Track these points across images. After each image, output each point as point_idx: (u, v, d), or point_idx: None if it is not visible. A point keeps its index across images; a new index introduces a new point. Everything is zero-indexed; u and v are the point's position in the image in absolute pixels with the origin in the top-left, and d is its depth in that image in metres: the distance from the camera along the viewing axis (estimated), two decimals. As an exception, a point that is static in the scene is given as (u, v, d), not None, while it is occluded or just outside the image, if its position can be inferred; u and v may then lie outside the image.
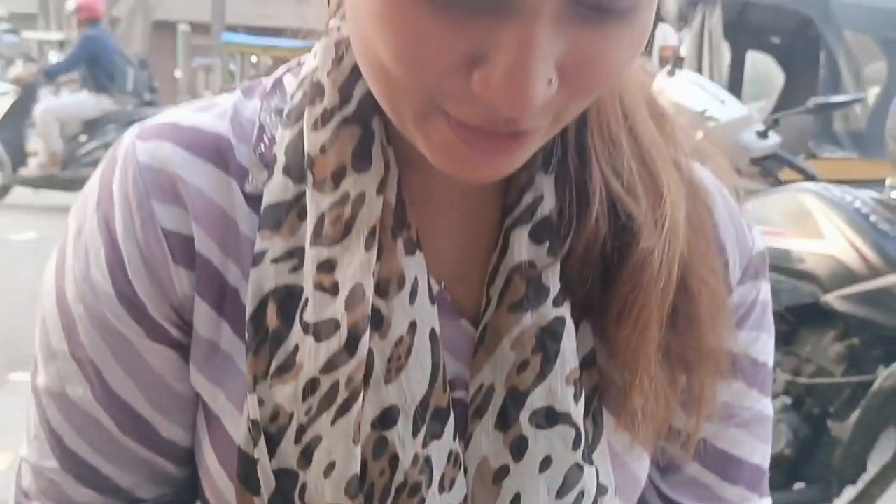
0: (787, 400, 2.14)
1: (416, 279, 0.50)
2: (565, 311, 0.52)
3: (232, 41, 16.71)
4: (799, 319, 2.16)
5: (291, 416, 0.49)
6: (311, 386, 0.49)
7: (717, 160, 0.60)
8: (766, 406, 0.62)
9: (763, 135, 2.69)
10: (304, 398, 0.49)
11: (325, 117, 0.51)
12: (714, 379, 0.55)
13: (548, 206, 0.52)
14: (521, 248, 0.51)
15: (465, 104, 0.42)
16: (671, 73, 2.94)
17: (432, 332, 0.50)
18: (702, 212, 0.55)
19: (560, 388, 0.51)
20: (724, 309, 0.55)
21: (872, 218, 2.05)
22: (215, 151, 0.53)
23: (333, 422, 0.48)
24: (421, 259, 0.51)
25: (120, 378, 0.53)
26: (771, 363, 0.62)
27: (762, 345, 0.60)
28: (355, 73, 0.50)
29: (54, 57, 9.83)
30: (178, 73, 16.09)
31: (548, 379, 0.51)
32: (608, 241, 0.52)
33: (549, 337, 0.51)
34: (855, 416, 1.97)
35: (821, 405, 2.11)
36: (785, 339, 2.20)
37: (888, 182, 2.27)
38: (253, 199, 0.52)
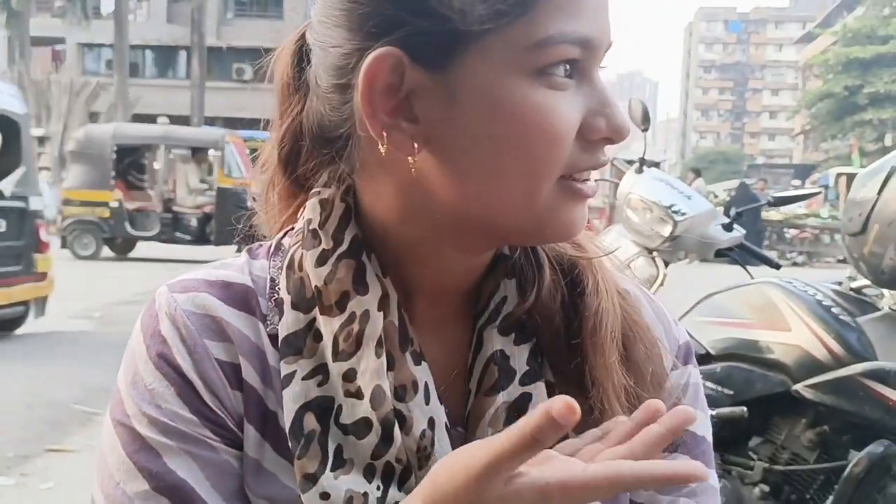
0: (766, 487, 2.21)
1: (426, 384, 0.62)
2: (532, 389, 0.63)
3: (210, 134, 16.98)
4: (773, 408, 2.26)
5: (365, 495, 0.59)
6: (369, 470, 0.59)
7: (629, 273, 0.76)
8: (712, 477, 0.71)
9: (728, 227, 2.83)
10: (369, 482, 0.59)
11: (324, 257, 0.62)
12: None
13: (511, 304, 0.65)
14: (493, 341, 0.64)
15: (585, 158, 0.59)
16: (639, 171, 3.09)
17: (446, 426, 0.62)
18: (630, 302, 0.69)
19: None
20: (657, 349, 0.68)
21: (834, 310, 2.17)
22: (242, 300, 0.64)
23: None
24: (426, 368, 0.62)
25: (207, 490, 0.60)
26: (710, 439, 0.72)
27: (699, 420, 0.69)
28: (342, 223, 0.63)
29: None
30: (156, 165, 16.26)
31: None
32: (565, 296, 0.65)
33: (517, 411, 0.62)
34: (829, 501, 2.05)
35: (797, 492, 2.18)
36: (761, 428, 2.29)
37: (847, 274, 2.41)
38: (274, 339, 0.63)
